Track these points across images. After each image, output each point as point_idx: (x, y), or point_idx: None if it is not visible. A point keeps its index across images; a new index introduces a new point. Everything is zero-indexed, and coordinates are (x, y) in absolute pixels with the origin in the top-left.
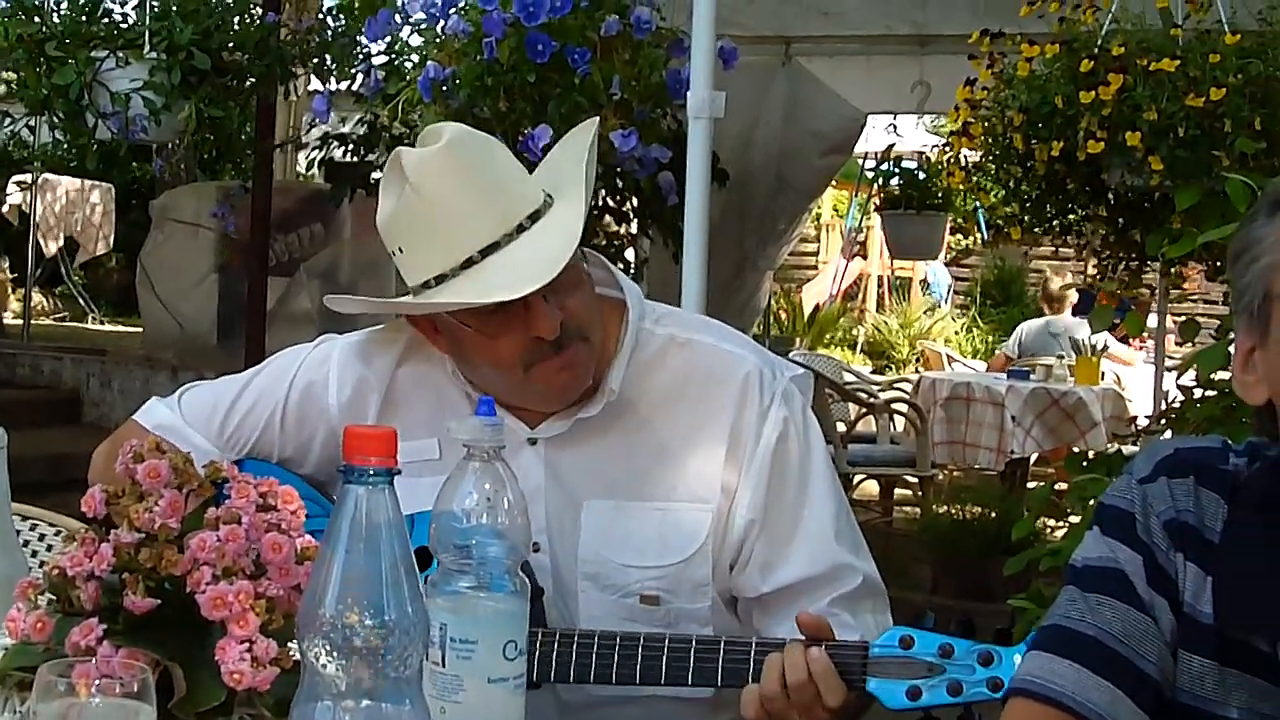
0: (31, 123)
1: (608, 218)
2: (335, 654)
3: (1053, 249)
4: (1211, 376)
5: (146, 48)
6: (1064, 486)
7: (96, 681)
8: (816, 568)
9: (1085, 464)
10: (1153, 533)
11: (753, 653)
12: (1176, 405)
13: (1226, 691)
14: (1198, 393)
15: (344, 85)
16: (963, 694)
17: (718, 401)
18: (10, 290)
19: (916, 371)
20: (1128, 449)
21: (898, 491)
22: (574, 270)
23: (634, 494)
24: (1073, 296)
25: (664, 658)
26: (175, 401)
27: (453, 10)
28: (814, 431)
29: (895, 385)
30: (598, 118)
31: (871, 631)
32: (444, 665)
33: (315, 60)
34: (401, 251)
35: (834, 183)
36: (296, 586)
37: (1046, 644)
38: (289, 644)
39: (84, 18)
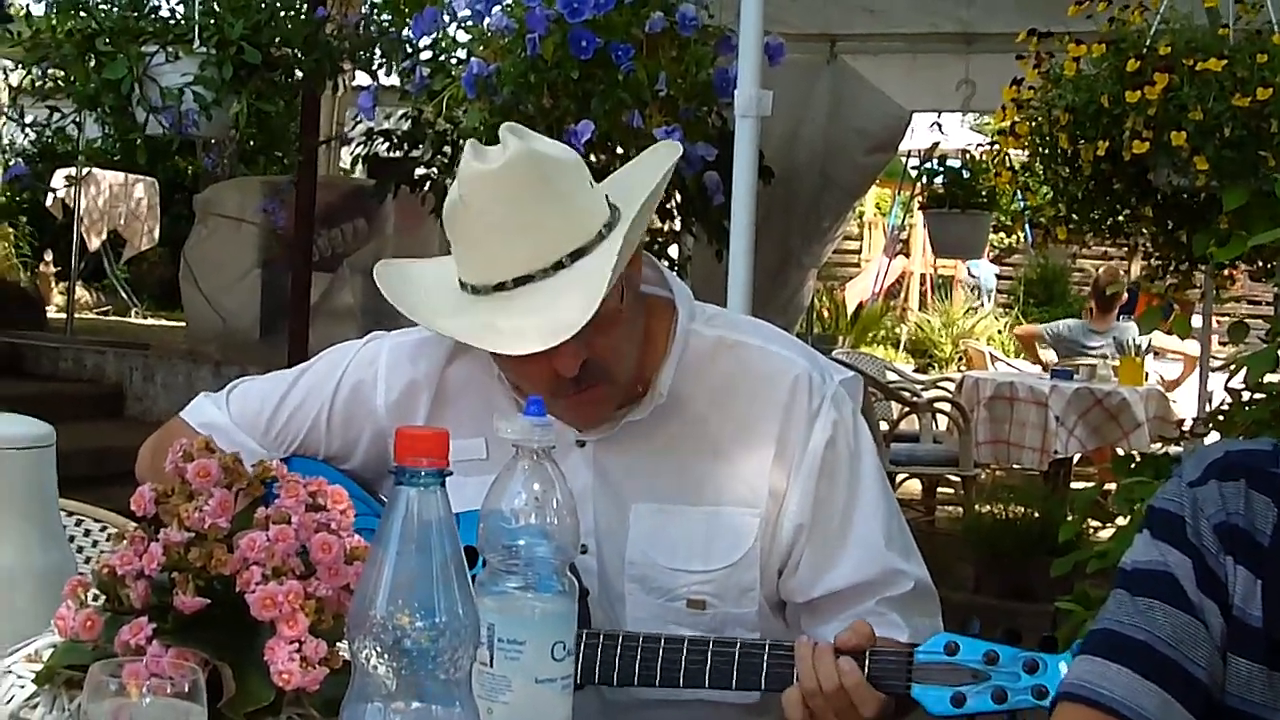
0: (77, 118)
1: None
2: (385, 655)
3: (1101, 250)
4: (1261, 379)
5: (196, 43)
6: (1111, 487)
7: (147, 681)
8: (867, 573)
9: (1132, 466)
10: (1202, 536)
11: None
12: (1224, 408)
13: (1276, 696)
14: (1246, 395)
15: (390, 81)
16: (1008, 701)
17: (766, 405)
18: (54, 284)
19: (959, 370)
20: (1174, 450)
21: (940, 490)
22: (610, 308)
23: (681, 497)
24: (1123, 295)
25: (708, 661)
26: (223, 399)
27: (497, 6)
28: (864, 435)
29: (938, 384)
30: (680, 145)
31: (922, 636)
32: (492, 665)
33: (363, 55)
34: (451, 246)
35: (877, 181)
36: (346, 587)
37: (1096, 648)
38: (338, 644)
39: (133, 13)
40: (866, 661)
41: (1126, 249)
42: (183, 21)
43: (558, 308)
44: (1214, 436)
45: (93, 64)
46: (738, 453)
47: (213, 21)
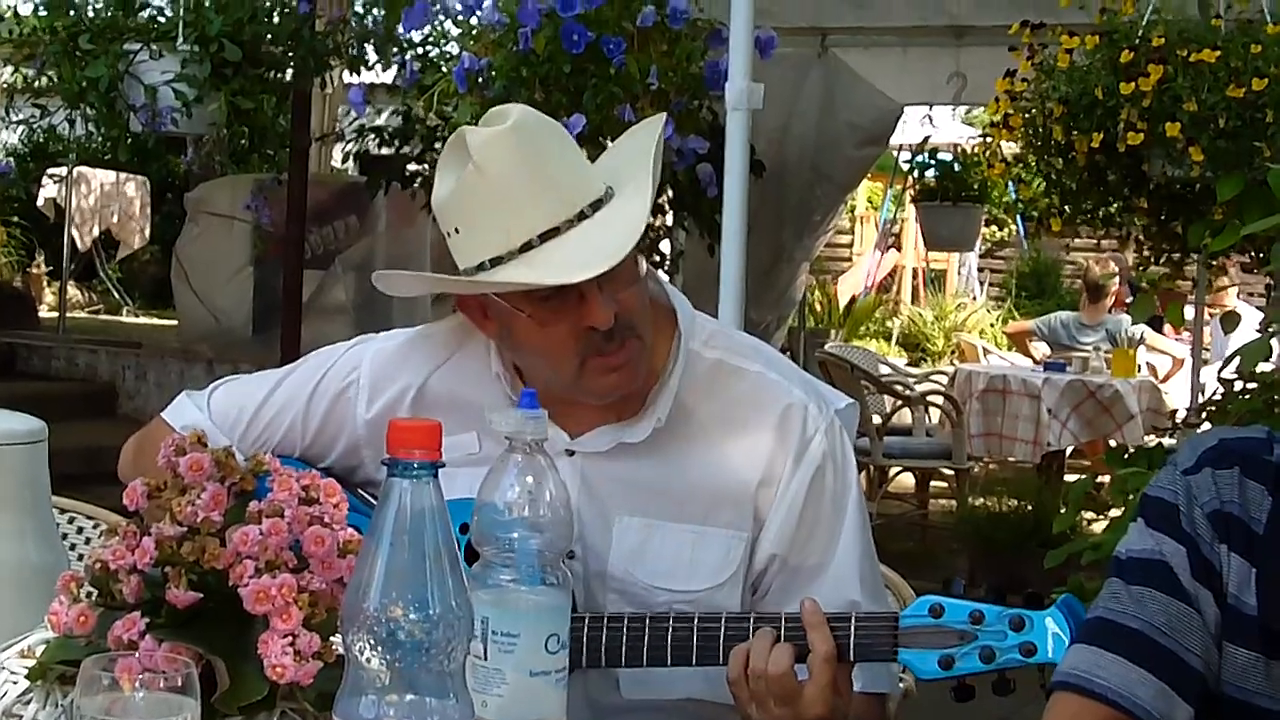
0: (70, 116)
1: None
2: (379, 648)
3: (1094, 241)
4: (1254, 369)
5: (180, 39)
6: (1104, 480)
7: (140, 675)
8: (831, 610)
9: (1126, 457)
10: (1196, 524)
11: (783, 629)
12: (1217, 398)
13: (1273, 684)
14: (1239, 385)
15: (383, 78)
16: (995, 660)
17: (758, 430)
18: (45, 284)
19: (952, 364)
20: (1167, 442)
21: (933, 484)
22: (630, 264)
23: (667, 515)
24: (1113, 286)
25: (694, 637)
26: (205, 400)
27: (488, 0)
28: (851, 470)
29: (931, 377)
30: (664, 115)
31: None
32: (485, 658)
33: (352, 52)
34: (458, 232)
35: (869, 175)
36: (339, 580)
37: (1091, 637)
38: (332, 638)
39: (120, 11)
40: (851, 630)
41: (1118, 240)
42: (170, 19)
43: (599, 241)
44: (1207, 427)
45: (79, 62)
46: (727, 476)
47: (196, 18)
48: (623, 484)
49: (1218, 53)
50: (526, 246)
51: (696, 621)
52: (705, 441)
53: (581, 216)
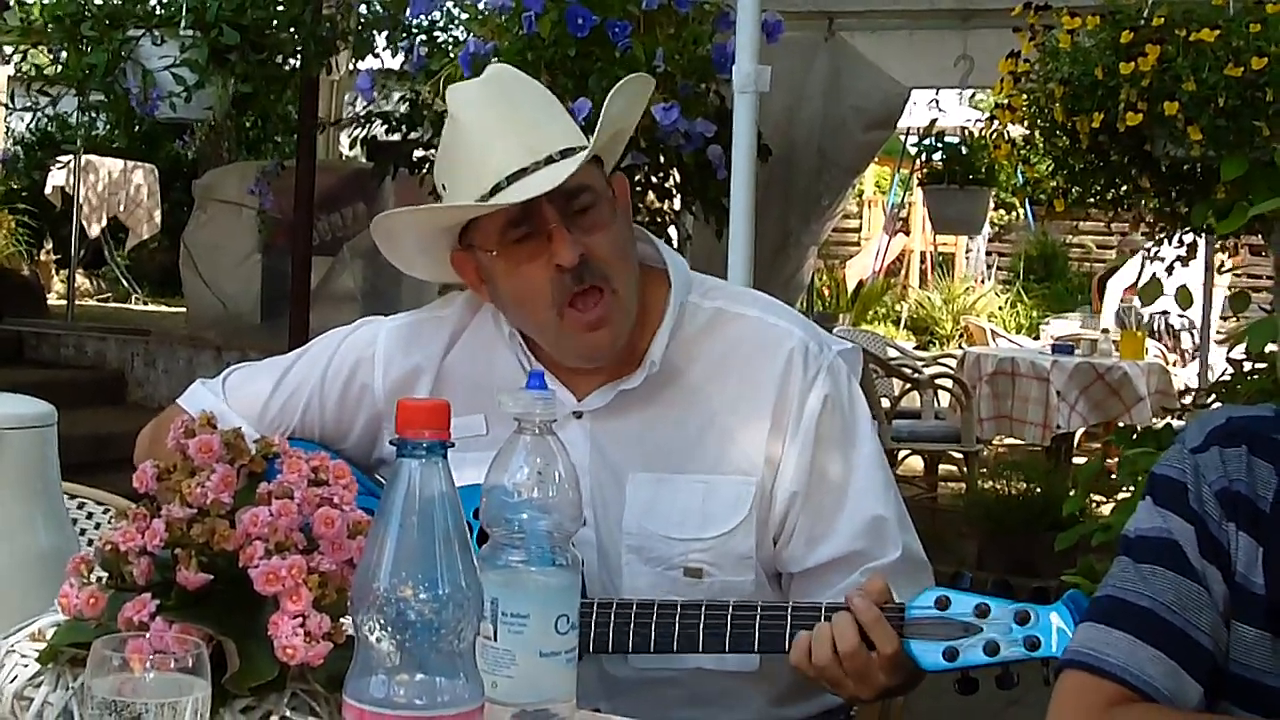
0: (83, 104)
1: (650, 195)
2: (389, 628)
3: (1103, 224)
4: (1262, 349)
5: (182, 25)
6: (1112, 461)
7: (150, 656)
8: (860, 542)
9: (1134, 437)
10: (1205, 502)
11: (789, 617)
12: (1226, 378)
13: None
14: (1247, 366)
15: (390, 62)
16: (1000, 653)
17: (762, 374)
18: (54, 272)
19: (960, 347)
20: (1176, 424)
21: (942, 467)
22: (599, 212)
23: (677, 466)
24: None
25: (701, 625)
26: (219, 386)
27: None
28: (859, 406)
29: (939, 361)
30: (650, 78)
31: None
32: (495, 639)
33: (362, 35)
34: (445, 189)
35: (876, 159)
36: (349, 561)
37: (1100, 615)
38: (342, 619)
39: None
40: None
41: (1131, 220)
42: (173, 4)
43: (551, 175)
44: (1217, 407)
45: (84, 48)
46: (733, 421)
47: (198, 3)
48: (632, 441)
49: (1217, 32)
50: (496, 189)
51: (704, 610)
52: (709, 389)
53: (549, 161)
